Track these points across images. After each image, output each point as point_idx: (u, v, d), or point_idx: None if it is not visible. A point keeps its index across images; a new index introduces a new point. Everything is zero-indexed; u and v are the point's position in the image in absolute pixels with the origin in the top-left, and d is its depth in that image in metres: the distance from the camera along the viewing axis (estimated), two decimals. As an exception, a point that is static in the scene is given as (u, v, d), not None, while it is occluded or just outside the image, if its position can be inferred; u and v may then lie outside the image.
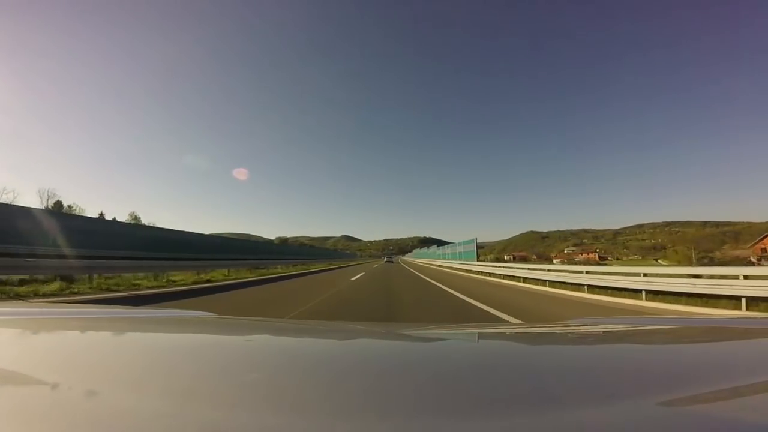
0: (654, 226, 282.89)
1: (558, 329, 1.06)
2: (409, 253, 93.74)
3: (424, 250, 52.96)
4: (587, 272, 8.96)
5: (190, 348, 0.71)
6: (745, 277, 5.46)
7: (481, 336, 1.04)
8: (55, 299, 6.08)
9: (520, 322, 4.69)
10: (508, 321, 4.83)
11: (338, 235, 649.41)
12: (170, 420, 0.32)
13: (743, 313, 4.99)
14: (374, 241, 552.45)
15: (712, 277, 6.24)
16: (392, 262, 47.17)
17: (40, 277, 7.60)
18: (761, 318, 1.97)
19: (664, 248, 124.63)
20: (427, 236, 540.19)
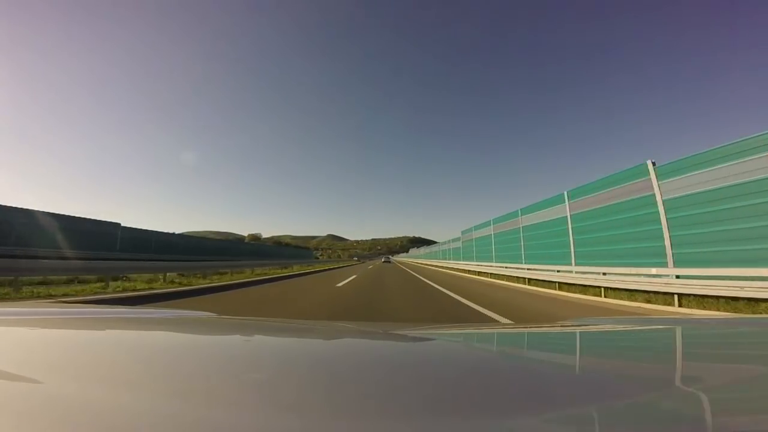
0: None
1: (557, 329, 1.04)
2: (405, 253, 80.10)
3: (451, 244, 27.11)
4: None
5: (190, 348, 0.70)
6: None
7: (480, 336, 1.02)
8: (55, 299, 5.67)
9: (511, 321, 4.43)
10: (507, 321, 4.45)
11: (324, 234, 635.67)
12: (170, 420, 0.32)
13: (743, 313, 4.59)
14: (361, 240, 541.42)
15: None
16: (390, 262, 43.88)
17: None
18: (761, 318, 1.92)
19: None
20: (417, 236, 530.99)
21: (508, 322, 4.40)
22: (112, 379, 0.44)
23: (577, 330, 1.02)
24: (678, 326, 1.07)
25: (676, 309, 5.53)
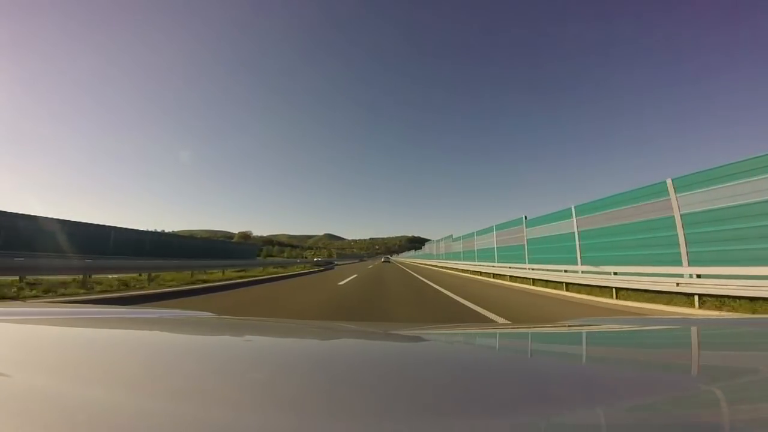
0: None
1: (557, 329, 1.04)
2: (413, 251, 58.78)
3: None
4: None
5: (190, 348, 0.70)
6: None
7: (480, 336, 1.03)
8: (55, 299, 5.65)
9: (508, 322, 4.44)
10: (505, 321, 4.49)
11: (321, 233, 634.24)
12: (170, 420, 0.32)
13: (743, 314, 4.69)
14: (359, 240, 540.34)
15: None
16: (389, 262, 43.18)
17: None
18: (761, 318, 1.93)
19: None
20: (416, 235, 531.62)
21: (506, 322, 4.41)
22: (112, 379, 0.44)
23: (578, 330, 1.01)
24: (678, 327, 1.07)
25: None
